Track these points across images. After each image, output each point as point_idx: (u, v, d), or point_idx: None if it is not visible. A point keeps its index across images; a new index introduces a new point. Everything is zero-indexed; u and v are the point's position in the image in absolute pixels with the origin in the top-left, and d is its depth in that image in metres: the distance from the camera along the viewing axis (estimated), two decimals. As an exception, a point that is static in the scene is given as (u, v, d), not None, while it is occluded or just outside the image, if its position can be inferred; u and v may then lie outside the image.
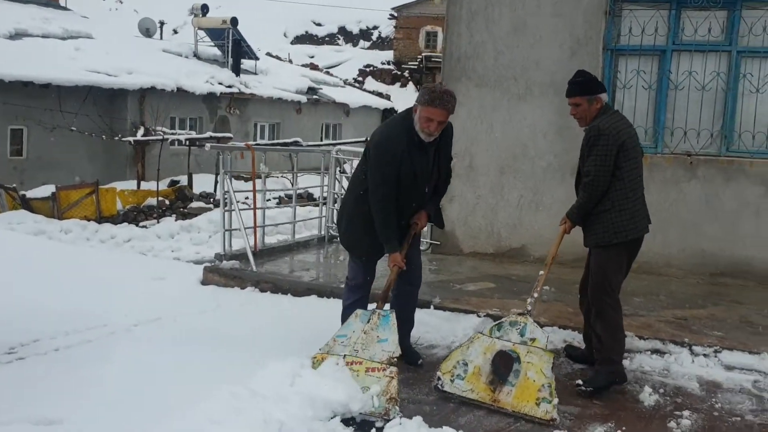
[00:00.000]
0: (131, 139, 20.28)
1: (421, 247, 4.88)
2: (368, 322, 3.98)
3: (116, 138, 20.29)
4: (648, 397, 4.11)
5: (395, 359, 3.80)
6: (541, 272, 4.33)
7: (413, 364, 4.44)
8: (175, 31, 53.76)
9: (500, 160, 6.99)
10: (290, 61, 35.54)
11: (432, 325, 5.07)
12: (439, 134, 4.05)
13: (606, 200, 4.10)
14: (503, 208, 7.03)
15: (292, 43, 53.48)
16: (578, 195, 4.25)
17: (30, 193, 18.28)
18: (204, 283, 6.01)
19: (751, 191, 6.36)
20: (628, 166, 4.09)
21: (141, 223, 18.16)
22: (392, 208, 4.09)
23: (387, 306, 4.22)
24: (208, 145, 6.37)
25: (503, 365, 3.90)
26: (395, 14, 43.46)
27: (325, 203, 7.97)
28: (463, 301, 5.45)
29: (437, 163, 4.20)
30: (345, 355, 3.82)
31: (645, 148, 6.62)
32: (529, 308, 4.18)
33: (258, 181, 7.08)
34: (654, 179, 6.55)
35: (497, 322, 4.21)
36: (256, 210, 6.66)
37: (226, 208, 6.37)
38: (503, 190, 7.00)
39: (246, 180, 22.51)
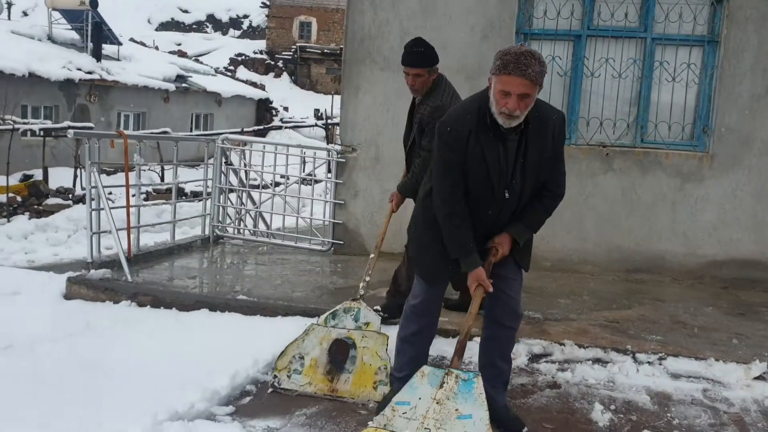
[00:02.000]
0: (-27, 128, 18.08)
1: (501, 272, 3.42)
2: (441, 387, 2.92)
3: (-45, 127, 18.02)
4: (601, 415, 3.66)
5: None
6: (372, 255, 4.40)
7: None
8: (25, 13, 49.81)
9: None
10: (156, 48, 33.46)
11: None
12: (523, 119, 2.98)
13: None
14: (411, 203, 6.42)
15: (156, 29, 51.06)
16: (413, 168, 4.37)
17: None
18: (68, 297, 4.95)
19: (667, 183, 6.15)
20: None
21: (-17, 224, 16.24)
22: (462, 210, 3.12)
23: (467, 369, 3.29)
24: (71, 131, 5.29)
25: (340, 353, 3.82)
26: (267, 3, 42.18)
27: (209, 198, 7.04)
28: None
29: (523, 162, 3.08)
30: None
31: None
32: (362, 292, 4.22)
33: (131, 175, 6.05)
34: (569, 171, 6.14)
35: (332, 311, 4.13)
36: (130, 208, 5.64)
37: (94, 207, 5.32)
38: (412, 183, 6.40)
39: (109, 174, 20.81)
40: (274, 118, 31.65)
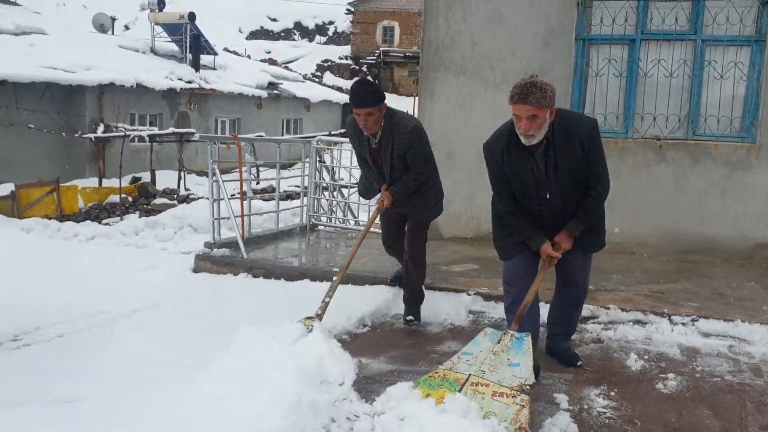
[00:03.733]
0: (92, 135, 19.99)
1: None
2: (498, 342, 3.65)
3: (77, 135, 19.97)
4: (634, 362, 4.37)
5: (528, 387, 3.39)
6: (335, 278, 4.67)
7: (572, 365, 4.26)
8: (127, 27, 52.94)
9: (478, 147, 7.16)
10: (248, 57, 35.32)
11: (425, 305, 5.26)
12: (544, 135, 3.65)
13: (429, 180, 4.84)
14: (481, 193, 7.23)
15: (247, 38, 53.14)
16: (408, 176, 4.70)
17: (-13, 192, 17.90)
18: (195, 270, 6.10)
19: (717, 172, 6.72)
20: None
21: (104, 221, 17.93)
22: (514, 208, 3.94)
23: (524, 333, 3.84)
24: (197, 135, 6.45)
25: None
26: (352, 9, 43.51)
27: (306, 193, 8.10)
28: (452, 281, 5.66)
29: (555, 170, 3.76)
30: (470, 374, 3.46)
31: (616, 133, 6.97)
32: (320, 312, 4.40)
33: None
34: (625, 163, 6.88)
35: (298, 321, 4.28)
36: (243, 200, 6.75)
37: (215, 198, 6.46)
38: (482, 176, 7.16)
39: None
40: (358, 121, 32.82)
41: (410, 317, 5.08)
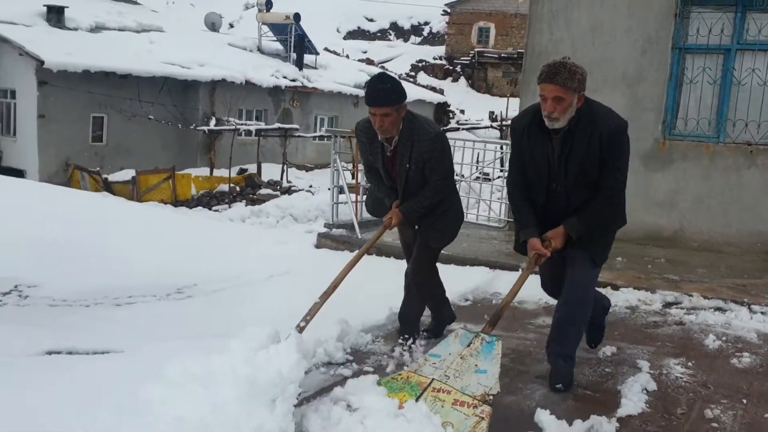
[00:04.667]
0: (205, 128, 21.49)
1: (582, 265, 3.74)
2: (468, 345, 3.43)
3: (192, 127, 21.50)
4: (712, 342, 4.85)
5: (491, 397, 3.17)
6: (317, 300, 3.88)
7: (551, 384, 3.81)
8: (231, 25, 55.30)
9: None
10: (347, 56, 36.54)
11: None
12: (565, 120, 3.43)
13: (448, 200, 4.17)
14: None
15: (344, 38, 54.48)
16: (423, 193, 4.03)
17: (111, 177, 19.64)
18: (317, 246, 6.98)
19: (806, 178, 7.03)
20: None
21: (213, 208, 19.38)
22: (523, 190, 3.72)
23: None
24: (324, 129, 7.36)
25: None
26: (448, 10, 44.11)
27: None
28: (547, 266, 6.26)
29: (566, 160, 3.52)
30: (433, 379, 3.24)
31: (708, 138, 7.37)
32: (303, 324, 3.72)
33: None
34: (716, 166, 7.27)
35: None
36: (358, 187, 7.59)
37: (335, 184, 7.34)
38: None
39: (307, 170, 23.50)
40: (451, 120, 33.49)
41: (425, 331, 4.56)
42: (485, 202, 8.74)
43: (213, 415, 2.77)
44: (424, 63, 43.50)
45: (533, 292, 5.74)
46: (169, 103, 21.93)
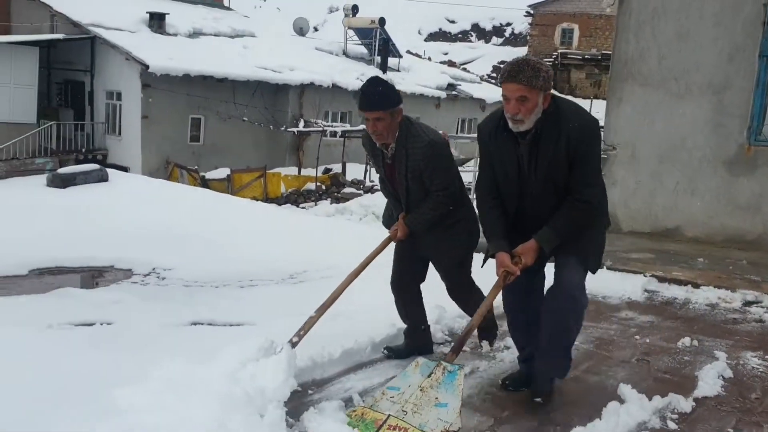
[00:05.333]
0: (295, 129, 22.46)
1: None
2: (429, 376, 3.13)
3: (282, 128, 22.51)
4: (791, 338, 5.12)
5: None
6: (312, 315, 3.69)
7: (535, 393, 3.62)
8: (316, 29, 56.73)
9: (660, 150, 8.02)
10: (429, 59, 37.07)
11: (605, 283, 6.24)
12: (530, 122, 3.17)
13: (456, 211, 3.85)
14: (660, 192, 8.06)
15: (425, 40, 55.01)
16: (427, 205, 3.78)
17: (208, 175, 20.82)
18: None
19: None
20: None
21: (301, 205, 20.29)
22: (492, 199, 3.42)
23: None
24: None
25: None
26: (531, 11, 43.98)
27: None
28: (631, 265, 6.60)
29: (536, 165, 3.26)
30: (389, 415, 3.04)
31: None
32: (296, 339, 3.55)
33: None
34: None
35: None
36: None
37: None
38: (661, 177, 8.03)
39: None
40: (533, 122, 33.46)
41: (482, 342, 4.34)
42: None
43: (181, 426, 2.68)
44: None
45: (617, 287, 6.17)
46: (261, 106, 23.00)
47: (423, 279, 4.12)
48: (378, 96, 3.64)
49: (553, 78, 3.39)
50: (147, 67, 20.08)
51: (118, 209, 8.39)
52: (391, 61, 28.88)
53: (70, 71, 22.96)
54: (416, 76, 29.27)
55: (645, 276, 6.32)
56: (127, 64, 20.88)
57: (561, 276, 3.37)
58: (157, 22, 23.67)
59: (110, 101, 22.14)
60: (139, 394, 2.84)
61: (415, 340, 4.20)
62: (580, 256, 3.37)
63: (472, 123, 31.33)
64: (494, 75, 41.38)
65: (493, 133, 3.34)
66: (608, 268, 6.47)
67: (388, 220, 4.16)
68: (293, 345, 3.41)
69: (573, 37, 42.46)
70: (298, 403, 3.36)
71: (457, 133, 29.34)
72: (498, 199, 3.40)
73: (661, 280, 6.29)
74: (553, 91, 3.26)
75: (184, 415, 2.74)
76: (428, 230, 3.83)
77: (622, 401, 3.60)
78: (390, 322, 4.34)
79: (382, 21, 28.08)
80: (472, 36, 56.08)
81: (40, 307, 4.77)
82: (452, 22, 57.37)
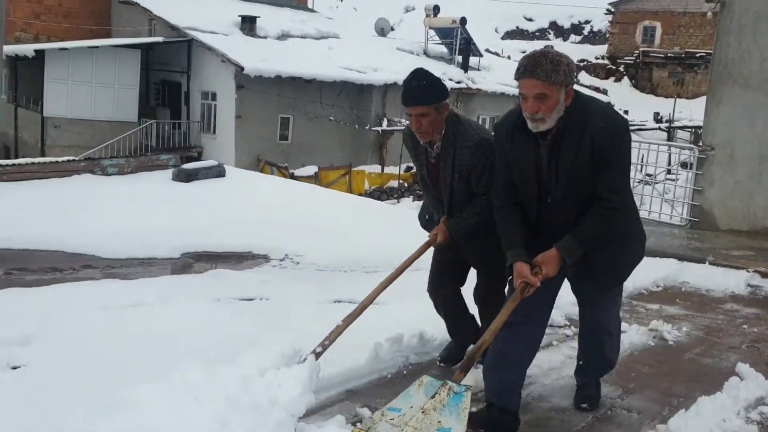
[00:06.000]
0: (379, 129, 23.10)
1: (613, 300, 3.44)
2: (433, 396, 2.88)
3: (367, 128, 23.18)
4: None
5: None
6: (339, 323, 3.45)
7: (577, 404, 3.54)
8: (392, 28, 57.29)
9: (760, 151, 8.17)
10: (508, 57, 37.18)
11: (708, 277, 6.51)
12: (552, 121, 2.92)
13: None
14: (760, 192, 8.21)
15: (502, 38, 54.86)
16: (470, 210, 3.54)
17: (296, 172, 21.69)
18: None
19: None
20: None
21: (384, 202, 20.90)
22: (510, 205, 3.18)
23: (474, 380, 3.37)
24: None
25: None
26: (612, 9, 43.40)
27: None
28: (732, 261, 6.84)
29: (557, 168, 3.00)
30: None
31: None
32: (320, 350, 3.29)
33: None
34: None
35: None
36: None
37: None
38: (761, 177, 8.18)
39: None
40: (614, 121, 33.15)
41: None
42: (668, 202, 9.29)
43: (181, 429, 2.61)
44: (585, 62, 43.05)
45: (719, 281, 6.43)
46: (346, 105, 23.74)
47: (463, 283, 3.90)
48: (421, 90, 3.38)
49: (575, 71, 3.30)
50: (242, 68, 21.03)
51: (239, 201, 9.14)
52: (472, 60, 29.14)
53: (167, 72, 24.25)
54: (496, 74, 29.42)
55: (748, 271, 6.56)
56: (223, 65, 21.91)
57: (596, 315, 3.36)
58: (248, 25, 24.69)
59: (205, 101, 23.27)
60: (152, 391, 2.78)
61: (463, 340, 3.91)
62: (599, 281, 3.21)
63: (552, 122, 31.31)
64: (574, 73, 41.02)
65: (510, 133, 3.10)
66: (710, 263, 6.74)
67: (426, 221, 3.90)
68: (317, 356, 3.19)
69: (655, 35, 41.65)
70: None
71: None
72: (516, 204, 3.16)
73: (764, 275, 6.52)
74: (577, 87, 3.03)
75: (187, 418, 2.66)
76: (470, 236, 3.58)
77: (741, 378, 3.95)
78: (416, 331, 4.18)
79: (463, 20, 28.40)
80: (549, 34, 55.55)
81: (204, 285, 5.44)
82: (530, 20, 56.95)
